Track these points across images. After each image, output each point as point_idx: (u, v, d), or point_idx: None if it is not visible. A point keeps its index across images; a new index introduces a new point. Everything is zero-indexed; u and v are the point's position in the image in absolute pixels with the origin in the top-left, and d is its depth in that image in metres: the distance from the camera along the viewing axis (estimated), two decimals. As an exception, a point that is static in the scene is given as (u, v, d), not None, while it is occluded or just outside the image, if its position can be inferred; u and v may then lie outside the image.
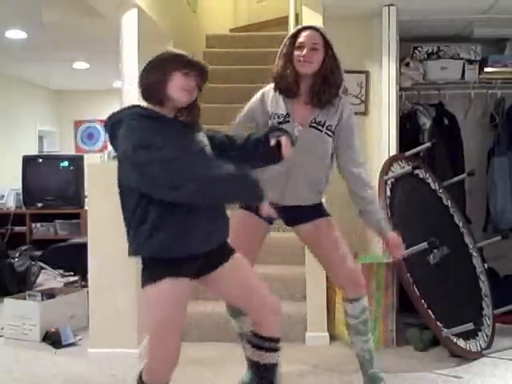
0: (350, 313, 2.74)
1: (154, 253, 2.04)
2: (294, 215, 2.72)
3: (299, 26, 2.67)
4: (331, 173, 2.75)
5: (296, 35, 2.62)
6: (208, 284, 2.25)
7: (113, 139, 2.08)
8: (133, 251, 2.08)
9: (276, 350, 2.27)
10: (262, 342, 2.24)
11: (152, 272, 2.06)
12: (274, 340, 2.24)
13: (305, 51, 2.57)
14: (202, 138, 2.19)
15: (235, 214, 2.67)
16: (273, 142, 2.26)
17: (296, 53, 2.59)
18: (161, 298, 2.07)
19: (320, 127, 2.62)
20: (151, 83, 2.08)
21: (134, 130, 1.99)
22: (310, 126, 2.62)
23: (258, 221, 2.61)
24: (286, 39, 2.67)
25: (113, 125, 2.07)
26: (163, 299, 2.06)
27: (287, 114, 2.63)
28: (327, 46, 2.60)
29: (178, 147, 2.01)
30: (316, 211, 2.74)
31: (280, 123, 2.60)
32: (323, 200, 2.81)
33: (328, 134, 2.64)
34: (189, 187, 1.95)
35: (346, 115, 2.66)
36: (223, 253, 2.20)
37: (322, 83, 2.59)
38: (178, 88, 2.06)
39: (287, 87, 2.63)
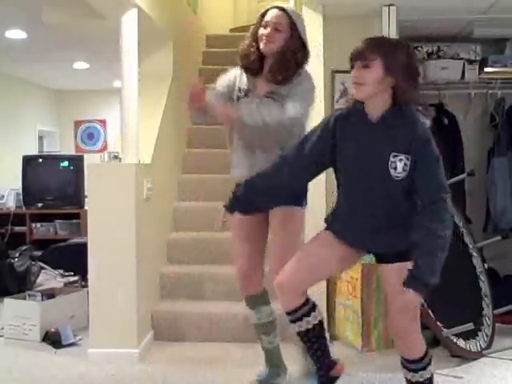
0: None
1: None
2: None
3: (269, 6, 2.67)
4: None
5: (264, 14, 2.64)
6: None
7: None
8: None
9: (416, 370, 2.28)
10: (404, 363, 2.30)
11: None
12: (411, 361, 2.27)
13: (267, 30, 2.59)
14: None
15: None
16: None
17: (260, 31, 2.62)
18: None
19: (274, 96, 2.60)
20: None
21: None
22: (265, 97, 2.62)
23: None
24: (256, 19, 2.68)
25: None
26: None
27: (248, 89, 2.66)
28: (293, 27, 2.59)
29: None
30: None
31: (238, 98, 2.65)
32: None
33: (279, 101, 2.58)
34: None
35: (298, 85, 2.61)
36: (393, 254, 2.22)
37: (279, 62, 2.58)
38: None
39: (250, 65, 2.65)
